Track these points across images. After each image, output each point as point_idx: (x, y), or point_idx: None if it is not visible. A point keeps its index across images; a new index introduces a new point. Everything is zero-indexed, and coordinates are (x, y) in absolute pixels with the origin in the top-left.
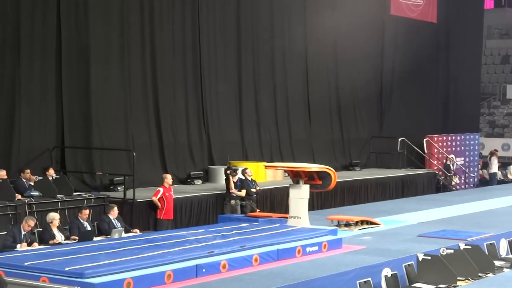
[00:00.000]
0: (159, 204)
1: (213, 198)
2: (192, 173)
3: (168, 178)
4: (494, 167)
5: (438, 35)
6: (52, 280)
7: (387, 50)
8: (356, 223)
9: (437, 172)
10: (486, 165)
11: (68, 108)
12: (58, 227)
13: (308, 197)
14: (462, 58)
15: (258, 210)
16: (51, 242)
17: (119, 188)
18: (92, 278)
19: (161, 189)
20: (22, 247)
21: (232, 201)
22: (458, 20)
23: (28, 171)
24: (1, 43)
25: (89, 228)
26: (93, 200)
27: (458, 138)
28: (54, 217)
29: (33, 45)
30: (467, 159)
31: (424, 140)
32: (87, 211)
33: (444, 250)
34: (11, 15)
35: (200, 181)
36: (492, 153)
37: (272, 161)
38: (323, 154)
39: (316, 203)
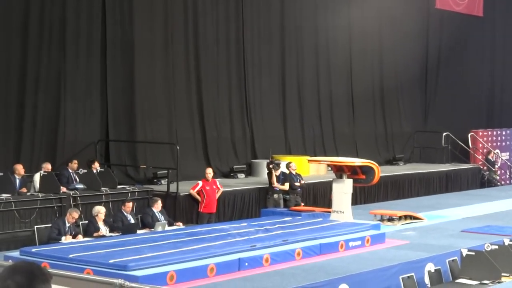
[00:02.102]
0: (197, 197)
1: (256, 192)
2: (235, 167)
3: (207, 172)
4: None
5: (484, 29)
6: (96, 272)
7: (431, 44)
8: (400, 218)
9: (481, 167)
10: None
11: (112, 102)
12: (103, 220)
13: (351, 191)
14: (508, 51)
15: (302, 204)
16: (95, 234)
17: (162, 182)
18: (135, 270)
19: (201, 183)
20: (66, 239)
21: (275, 195)
22: (504, 14)
23: (76, 161)
24: (47, 39)
25: (132, 221)
26: (136, 193)
27: (504, 133)
28: (99, 211)
29: (79, 41)
30: None
31: (469, 135)
32: (130, 204)
33: (488, 245)
34: (58, 11)
35: (243, 175)
36: None
37: (315, 156)
38: (366, 149)
39: (359, 197)
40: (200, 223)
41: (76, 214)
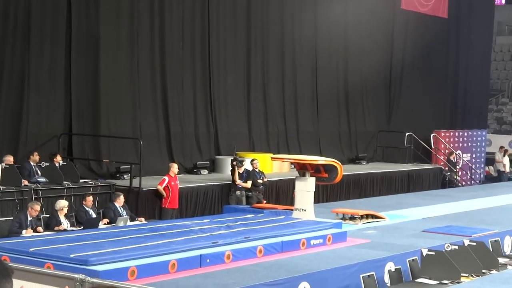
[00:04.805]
0: (164, 193)
1: (218, 188)
2: (198, 163)
3: (174, 167)
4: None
5: (448, 30)
6: (57, 267)
7: (396, 44)
8: (361, 217)
9: (443, 168)
10: (492, 161)
11: (76, 96)
12: (65, 215)
13: (314, 189)
14: (471, 54)
15: (265, 202)
16: (56, 228)
17: (125, 176)
18: (96, 265)
19: (167, 178)
20: (27, 233)
21: (238, 192)
22: (468, 16)
23: (37, 154)
24: (11, 31)
25: (94, 215)
26: (99, 187)
27: (466, 134)
28: (64, 205)
29: (43, 33)
30: (474, 155)
31: (431, 135)
32: (91, 198)
33: (448, 246)
34: (23, 3)
35: (206, 171)
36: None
37: (278, 153)
38: (330, 147)
39: (322, 196)
40: (164, 218)
41: (37, 207)
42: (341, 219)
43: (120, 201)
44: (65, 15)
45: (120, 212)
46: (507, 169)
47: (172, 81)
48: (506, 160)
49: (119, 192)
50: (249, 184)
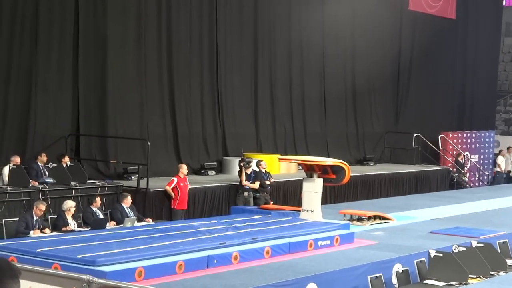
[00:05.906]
0: (172, 193)
1: (226, 189)
2: (206, 163)
3: (183, 168)
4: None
5: (456, 31)
6: (64, 267)
7: (404, 45)
8: (369, 218)
9: (451, 169)
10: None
11: (84, 96)
12: (72, 215)
13: (321, 190)
14: (479, 55)
15: (272, 203)
16: (63, 229)
17: (132, 177)
18: (104, 266)
19: (175, 179)
20: (35, 233)
21: (245, 193)
22: (476, 17)
23: (44, 154)
24: (19, 31)
25: (101, 216)
26: (106, 188)
27: (473, 135)
28: (71, 206)
29: (51, 33)
30: (482, 157)
31: (439, 137)
32: (98, 198)
33: (456, 247)
34: (30, 3)
35: (213, 172)
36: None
37: (286, 154)
38: (337, 148)
39: (329, 197)
40: (174, 219)
41: (42, 206)
42: (349, 220)
43: (127, 202)
44: (73, 16)
45: (128, 213)
46: (502, 168)
47: (179, 82)
48: (500, 159)
49: (127, 193)
50: (256, 185)
